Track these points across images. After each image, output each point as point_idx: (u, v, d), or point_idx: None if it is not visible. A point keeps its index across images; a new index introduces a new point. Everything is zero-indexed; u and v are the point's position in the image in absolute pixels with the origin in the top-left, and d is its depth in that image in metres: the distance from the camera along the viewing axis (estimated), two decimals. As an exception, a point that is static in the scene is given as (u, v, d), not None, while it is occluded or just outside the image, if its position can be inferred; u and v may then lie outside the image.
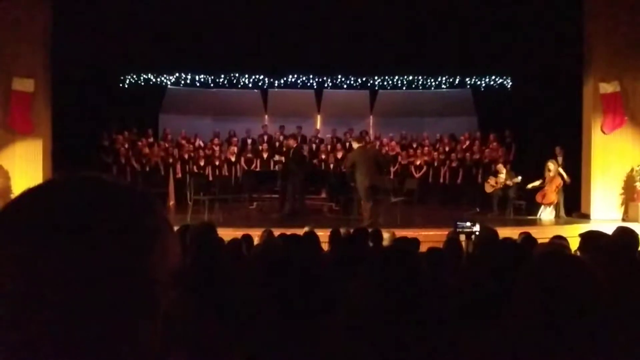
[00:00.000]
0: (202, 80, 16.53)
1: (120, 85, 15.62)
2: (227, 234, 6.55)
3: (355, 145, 10.66)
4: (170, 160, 13.94)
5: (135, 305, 0.66)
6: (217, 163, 14.09)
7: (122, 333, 0.65)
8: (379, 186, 10.41)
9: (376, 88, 16.95)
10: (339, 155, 14.53)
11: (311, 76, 16.60)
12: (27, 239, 0.64)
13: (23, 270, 0.63)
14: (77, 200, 0.67)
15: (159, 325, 0.69)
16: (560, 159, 12.17)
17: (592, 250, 3.04)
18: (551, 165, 11.54)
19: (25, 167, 11.00)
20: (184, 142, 14.54)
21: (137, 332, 0.66)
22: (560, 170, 11.57)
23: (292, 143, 11.56)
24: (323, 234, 6.03)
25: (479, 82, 16.61)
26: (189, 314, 2.34)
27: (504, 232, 6.68)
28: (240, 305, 2.81)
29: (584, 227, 9.50)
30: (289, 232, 6.36)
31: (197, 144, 14.72)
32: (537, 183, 11.66)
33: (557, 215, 11.66)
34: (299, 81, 16.67)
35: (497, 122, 14.74)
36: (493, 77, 16.44)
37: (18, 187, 10.69)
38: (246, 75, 16.43)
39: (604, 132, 11.61)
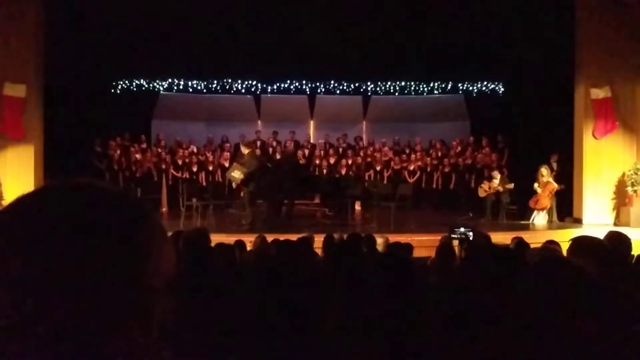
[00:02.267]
0: (194, 85, 16.51)
1: (113, 90, 15.59)
2: (220, 239, 6.53)
3: (245, 150, 10.72)
4: (163, 166, 13.89)
5: (129, 312, 0.66)
6: (210, 168, 14.05)
7: (116, 340, 0.65)
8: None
9: (369, 93, 17.00)
10: (332, 160, 14.54)
11: (304, 82, 16.61)
12: (21, 246, 0.63)
13: (16, 279, 0.62)
14: (72, 207, 0.67)
15: (153, 332, 0.68)
16: (555, 165, 12.22)
17: (583, 254, 3.04)
18: (544, 170, 11.59)
19: (16, 173, 10.93)
20: (179, 148, 14.49)
21: (131, 339, 0.66)
22: (550, 179, 11.60)
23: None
24: (317, 240, 6.03)
25: (471, 88, 16.69)
26: (182, 321, 2.33)
27: (496, 237, 6.71)
28: (234, 311, 2.80)
29: (576, 232, 9.57)
30: (282, 237, 6.35)
31: (190, 149, 14.68)
32: (536, 187, 11.67)
33: (549, 220, 11.71)
34: (291, 87, 16.68)
35: (489, 127, 14.81)
36: (485, 83, 16.52)
37: (9, 193, 10.62)
38: (239, 81, 16.43)
39: (595, 137, 11.69)
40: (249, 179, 10.15)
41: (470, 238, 6.53)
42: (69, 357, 0.63)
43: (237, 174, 10.19)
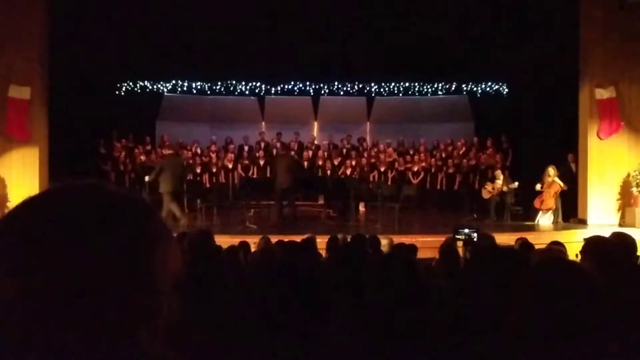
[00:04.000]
0: (198, 87, 16.54)
1: (117, 92, 15.63)
2: (224, 241, 6.54)
3: (166, 152, 11.08)
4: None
5: (135, 313, 0.66)
6: (214, 170, 14.06)
7: (123, 340, 0.65)
8: (180, 191, 10.88)
9: (373, 94, 16.99)
10: (336, 161, 14.53)
11: (308, 83, 16.62)
12: (28, 248, 0.64)
13: (23, 279, 0.62)
14: (77, 209, 0.67)
15: (160, 332, 0.68)
16: (573, 166, 12.20)
17: (594, 255, 3.04)
18: (551, 170, 11.54)
19: (22, 174, 10.97)
20: (183, 149, 14.51)
21: (137, 340, 0.66)
22: (556, 178, 11.56)
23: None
24: (321, 241, 6.03)
25: (475, 88, 16.67)
26: (186, 322, 2.33)
27: (501, 238, 6.69)
28: (238, 312, 2.80)
29: (581, 233, 9.53)
30: (286, 238, 6.36)
31: (194, 150, 14.71)
32: (538, 187, 11.66)
33: (554, 221, 11.66)
34: (295, 88, 16.69)
35: (493, 127, 14.78)
36: (489, 83, 16.50)
37: (15, 195, 10.65)
38: (243, 82, 16.46)
39: (600, 138, 11.64)
40: (159, 181, 10.38)
41: (475, 239, 6.51)
42: (73, 358, 0.63)
43: (147, 177, 10.65)
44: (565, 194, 11.79)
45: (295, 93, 16.78)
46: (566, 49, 12.21)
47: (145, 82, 16.10)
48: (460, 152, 14.71)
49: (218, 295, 3.07)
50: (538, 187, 11.60)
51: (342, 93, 16.89)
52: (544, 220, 11.59)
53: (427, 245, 8.07)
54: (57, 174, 11.07)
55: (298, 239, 6.07)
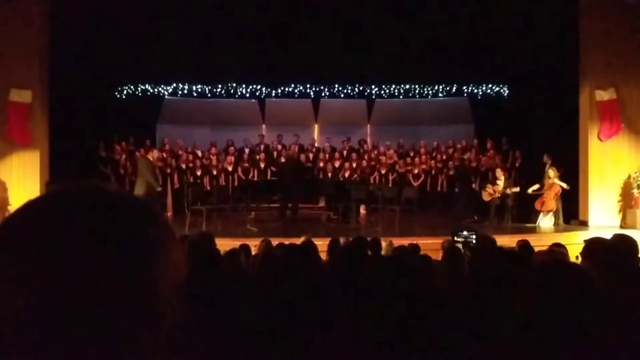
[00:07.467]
0: (199, 90, 16.54)
1: (118, 95, 15.63)
2: (225, 243, 6.54)
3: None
4: (168, 170, 13.90)
5: (138, 318, 0.66)
6: (214, 173, 14.06)
7: (126, 345, 0.65)
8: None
9: (373, 97, 16.98)
10: (337, 164, 14.54)
11: (308, 85, 16.62)
12: (29, 253, 0.63)
13: (25, 284, 0.62)
14: (79, 211, 0.67)
15: (163, 337, 0.68)
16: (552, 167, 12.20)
17: (594, 257, 3.04)
18: (551, 172, 11.54)
19: (23, 178, 10.98)
20: (181, 152, 14.51)
21: (141, 345, 0.66)
22: (556, 180, 11.55)
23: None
24: (322, 243, 6.02)
25: (476, 90, 16.66)
26: (187, 326, 2.33)
27: (502, 240, 6.68)
28: (240, 316, 2.80)
29: (582, 235, 9.52)
30: (286, 241, 6.36)
31: (193, 152, 14.70)
32: (535, 187, 11.65)
33: (555, 223, 11.65)
34: (296, 90, 16.69)
35: (494, 130, 14.77)
36: (490, 85, 16.49)
37: (16, 198, 10.66)
38: (243, 85, 16.46)
39: (600, 139, 11.65)
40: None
41: (473, 241, 6.51)
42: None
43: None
44: (565, 195, 11.79)
45: (296, 96, 16.78)
46: (566, 51, 12.22)
47: (146, 85, 16.11)
48: (461, 155, 14.70)
49: (219, 298, 3.07)
50: (530, 190, 11.63)
51: (342, 95, 16.89)
52: (545, 222, 11.57)
53: (428, 248, 8.06)
54: (58, 177, 11.07)
55: (299, 241, 6.08)
